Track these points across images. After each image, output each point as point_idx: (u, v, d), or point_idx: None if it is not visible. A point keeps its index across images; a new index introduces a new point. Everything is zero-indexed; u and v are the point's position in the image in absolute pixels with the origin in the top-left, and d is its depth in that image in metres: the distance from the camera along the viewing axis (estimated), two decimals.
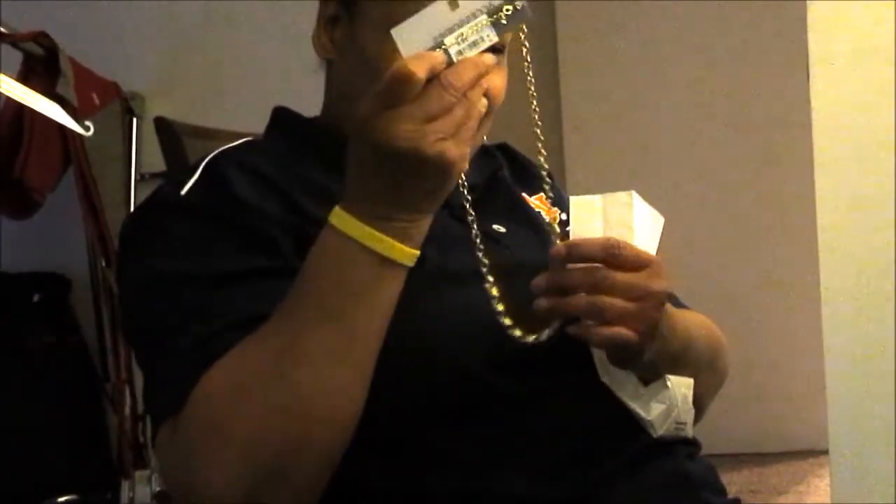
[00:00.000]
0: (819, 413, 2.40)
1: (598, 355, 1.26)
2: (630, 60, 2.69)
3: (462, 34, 1.14)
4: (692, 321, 1.38)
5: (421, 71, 1.10)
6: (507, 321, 1.21)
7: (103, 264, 3.04)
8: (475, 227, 1.26)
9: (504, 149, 1.54)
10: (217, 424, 1.14)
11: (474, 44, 1.14)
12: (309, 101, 1.45)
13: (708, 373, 1.38)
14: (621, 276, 1.18)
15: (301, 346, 1.14)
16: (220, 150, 1.36)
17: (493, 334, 1.22)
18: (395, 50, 1.20)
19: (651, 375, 1.27)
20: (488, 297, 1.22)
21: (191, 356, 1.18)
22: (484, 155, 1.46)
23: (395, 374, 1.17)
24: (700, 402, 1.31)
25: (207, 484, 1.13)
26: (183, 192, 1.29)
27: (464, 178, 1.29)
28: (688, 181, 2.53)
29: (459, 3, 1.14)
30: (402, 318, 1.17)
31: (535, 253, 1.26)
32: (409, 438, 1.22)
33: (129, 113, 3.19)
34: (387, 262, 1.14)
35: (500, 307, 1.21)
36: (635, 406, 1.25)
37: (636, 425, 1.25)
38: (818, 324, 2.38)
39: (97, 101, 3.05)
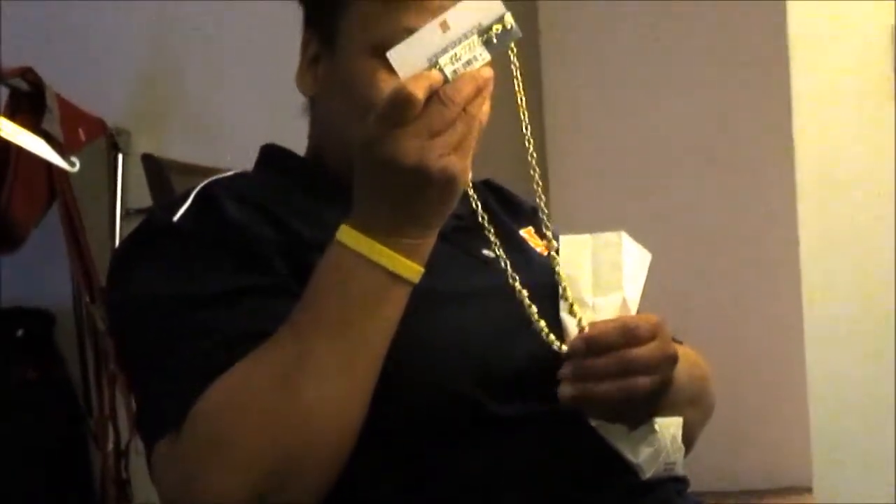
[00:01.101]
0: (804, 451, 2.40)
1: None
2: (614, 95, 2.70)
3: (456, 54, 1.17)
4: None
5: (420, 90, 1.13)
6: (552, 338, 1.22)
7: (88, 300, 3.03)
8: (497, 249, 1.27)
9: (488, 184, 1.55)
10: (218, 438, 1.15)
11: (468, 63, 1.17)
12: (294, 141, 1.47)
13: (694, 408, 1.39)
14: (642, 353, 1.21)
15: (305, 360, 1.15)
16: (211, 178, 1.37)
17: (484, 356, 1.23)
18: (383, 71, 1.27)
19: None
20: (479, 318, 1.25)
21: (188, 373, 1.18)
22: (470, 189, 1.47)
23: (390, 392, 1.18)
24: (688, 437, 1.32)
25: (208, 496, 1.14)
26: (175, 218, 1.30)
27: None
28: (670, 215, 2.54)
29: (450, 24, 1.17)
30: (393, 339, 1.18)
31: (526, 276, 1.27)
32: (406, 454, 1.23)
33: (115, 149, 3.19)
34: (393, 277, 1.16)
35: (542, 323, 1.22)
36: (624, 450, 1.25)
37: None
38: (802, 361, 2.39)
39: (83, 137, 3.05)
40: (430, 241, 1.17)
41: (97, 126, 3.15)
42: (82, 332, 3.16)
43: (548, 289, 1.30)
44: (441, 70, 1.15)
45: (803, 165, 2.40)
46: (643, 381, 1.20)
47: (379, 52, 1.32)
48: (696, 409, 1.41)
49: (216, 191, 1.33)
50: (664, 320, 1.25)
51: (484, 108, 1.24)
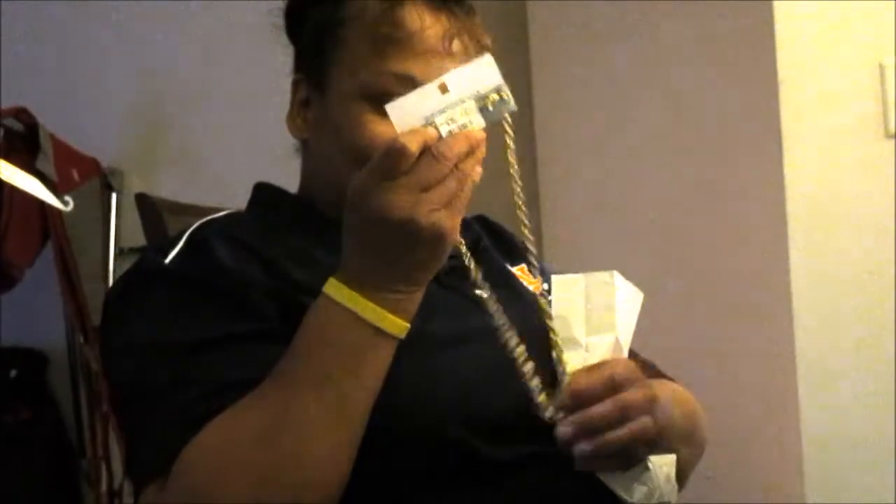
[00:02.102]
0: (795, 487, 2.40)
1: None
2: (605, 135, 2.71)
3: (452, 116, 1.19)
4: (669, 398, 1.39)
5: (414, 144, 1.14)
6: (542, 398, 1.23)
7: (81, 340, 3.03)
8: (487, 292, 1.28)
9: (483, 221, 1.56)
10: (201, 491, 1.15)
11: (463, 126, 1.19)
12: (286, 180, 1.48)
13: (687, 445, 1.39)
14: (632, 395, 1.23)
15: (290, 413, 1.15)
16: (203, 220, 1.38)
17: (475, 399, 1.23)
18: (372, 115, 1.30)
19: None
20: (472, 362, 1.27)
21: (173, 422, 1.19)
22: (462, 227, 1.48)
23: (379, 437, 1.18)
24: (681, 475, 1.32)
25: None
26: (167, 260, 1.31)
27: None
28: (661, 253, 2.54)
29: (449, 87, 1.19)
30: (386, 383, 1.18)
31: (520, 318, 1.27)
32: (398, 498, 1.23)
33: (109, 188, 3.20)
34: (378, 332, 1.16)
35: (535, 382, 1.23)
36: (618, 489, 1.26)
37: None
38: (795, 395, 2.39)
39: (77, 177, 3.05)
40: (417, 297, 1.18)
41: (91, 166, 3.15)
42: (76, 372, 3.16)
43: (540, 331, 1.31)
44: (436, 128, 1.17)
45: (794, 202, 2.41)
46: (646, 420, 1.22)
47: (368, 97, 1.34)
48: (689, 446, 1.41)
49: (208, 234, 1.33)
50: (634, 365, 1.27)
51: (476, 169, 1.25)
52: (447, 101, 1.19)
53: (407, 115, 1.18)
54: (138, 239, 1.76)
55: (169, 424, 1.20)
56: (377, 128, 1.34)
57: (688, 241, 2.55)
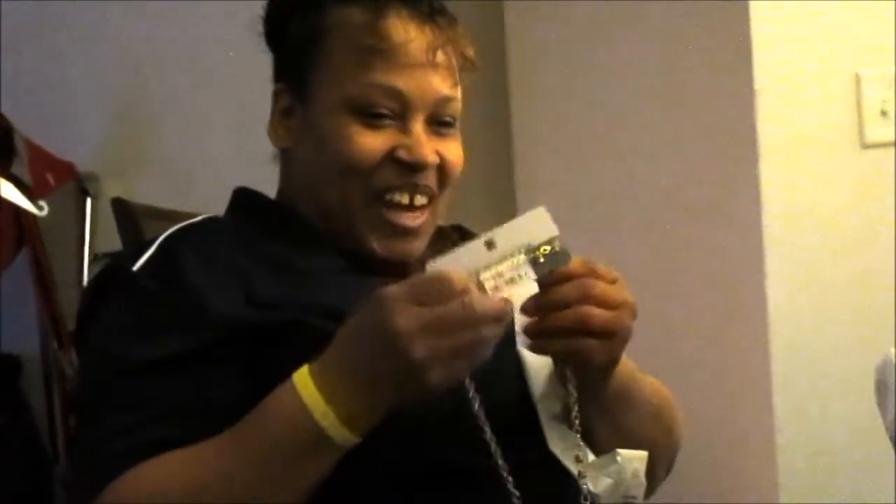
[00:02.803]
0: (770, 489, 2.41)
1: (549, 426, 1.27)
2: (582, 139, 2.71)
3: (499, 271, 1.17)
4: (637, 370, 1.41)
5: (459, 282, 1.13)
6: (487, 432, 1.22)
7: (55, 345, 3.01)
8: None
9: (460, 230, 1.56)
10: None
11: (511, 280, 1.17)
12: (266, 186, 1.48)
13: (657, 427, 1.40)
14: (601, 286, 1.22)
15: (220, 485, 1.16)
16: (178, 226, 1.38)
17: (448, 407, 1.23)
18: (357, 126, 1.31)
19: (602, 447, 1.28)
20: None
21: (113, 442, 1.21)
22: (439, 236, 1.49)
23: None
24: (651, 465, 1.32)
25: None
26: (135, 267, 1.30)
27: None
28: (636, 261, 2.55)
29: (497, 243, 1.18)
30: None
31: None
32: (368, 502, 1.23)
33: (84, 193, 3.18)
34: (325, 438, 1.15)
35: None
36: (584, 479, 1.25)
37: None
38: (769, 400, 2.40)
39: (52, 182, 3.04)
40: (375, 417, 1.16)
41: (66, 170, 3.14)
42: (50, 377, 3.14)
43: (508, 337, 1.30)
44: (481, 284, 1.15)
45: (769, 212, 2.41)
46: (598, 312, 1.21)
47: (353, 109, 1.35)
48: (661, 429, 1.41)
49: (179, 244, 1.33)
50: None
51: (454, 154, 1.25)
52: (494, 257, 1.17)
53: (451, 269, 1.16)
54: (114, 245, 1.76)
55: (110, 443, 1.21)
56: (363, 140, 1.34)
57: (663, 250, 2.55)
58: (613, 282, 1.24)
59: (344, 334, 1.17)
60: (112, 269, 1.35)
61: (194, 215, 1.46)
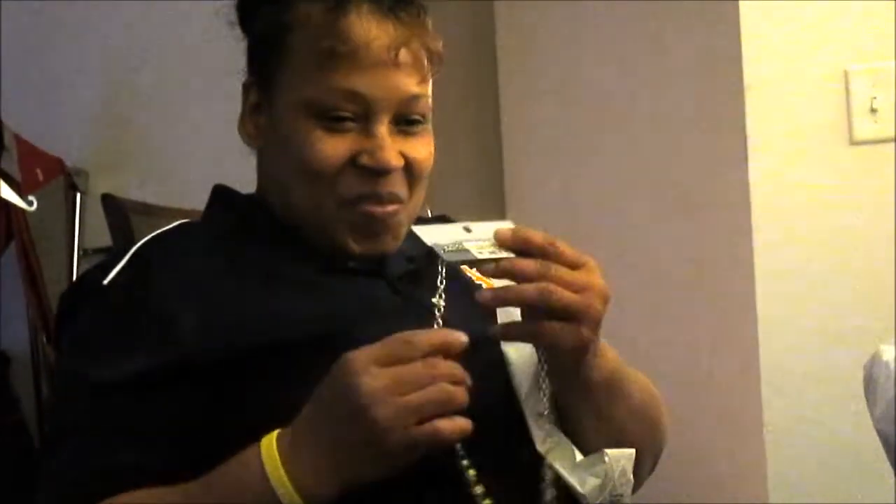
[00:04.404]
0: (759, 489, 2.41)
1: (535, 424, 1.27)
2: (571, 136, 2.71)
3: (479, 247, 1.20)
4: (623, 363, 1.39)
5: (421, 342, 1.14)
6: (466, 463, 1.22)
7: (44, 340, 3.01)
8: (441, 300, 1.27)
9: (444, 221, 1.55)
10: None
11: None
12: (252, 181, 1.47)
13: (642, 423, 1.39)
14: (564, 270, 1.20)
15: None
16: (151, 236, 1.36)
17: None
18: (318, 131, 1.29)
19: (586, 448, 1.28)
20: None
21: (73, 468, 1.21)
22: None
23: None
24: (638, 466, 1.31)
25: None
26: (106, 280, 1.29)
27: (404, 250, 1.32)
28: (626, 257, 2.55)
29: (472, 231, 1.21)
30: None
31: (470, 326, 1.26)
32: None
33: (73, 189, 3.18)
34: None
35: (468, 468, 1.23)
36: (571, 478, 1.25)
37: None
38: (758, 397, 2.40)
39: (41, 177, 3.03)
40: (332, 493, 1.15)
41: (55, 166, 3.13)
42: (38, 373, 3.13)
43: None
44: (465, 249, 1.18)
45: (759, 207, 2.42)
46: (557, 290, 1.18)
47: (313, 113, 1.32)
48: (646, 426, 1.40)
49: (152, 256, 1.32)
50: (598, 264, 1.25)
51: (422, 152, 1.26)
52: (468, 238, 1.19)
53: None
54: (103, 240, 1.76)
55: (71, 467, 1.22)
56: (324, 146, 1.32)
57: (653, 246, 2.56)
58: (578, 266, 1.21)
59: (313, 399, 1.16)
60: (83, 281, 1.34)
61: (183, 211, 1.45)
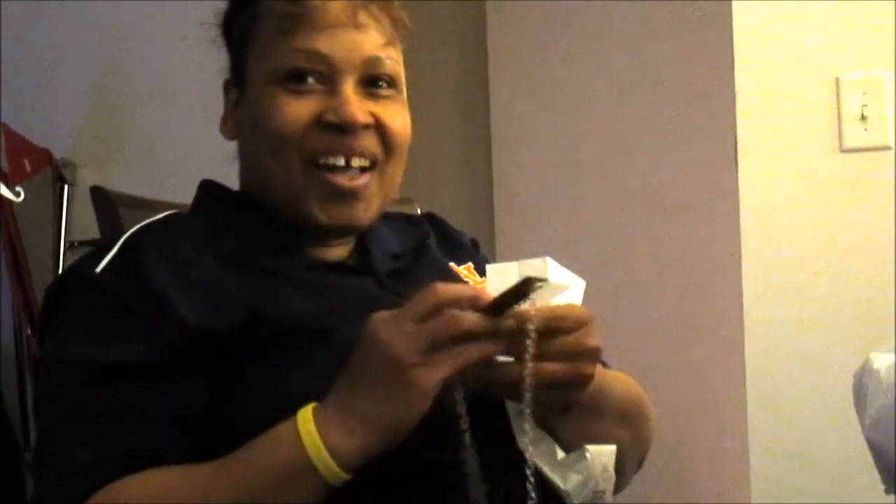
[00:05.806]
0: (742, 491, 2.42)
1: (517, 422, 1.27)
2: (561, 134, 2.72)
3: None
4: (608, 372, 1.38)
5: (444, 294, 1.13)
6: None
7: (29, 332, 3.00)
8: None
9: (431, 218, 1.55)
10: None
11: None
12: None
13: (627, 428, 1.38)
14: (558, 343, 1.18)
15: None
16: (141, 225, 1.36)
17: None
18: (284, 96, 1.31)
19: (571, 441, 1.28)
20: None
21: (79, 455, 1.20)
22: (411, 224, 1.48)
23: None
24: (621, 464, 1.31)
25: None
26: (98, 269, 1.29)
27: (392, 247, 1.31)
28: (614, 262, 2.55)
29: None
30: (327, 387, 1.17)
31: None
32: (342, 502, 1.22)
33: (61, 180, 3.17)
34: (313, 469, 1.14)
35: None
36: (553, 475, 1.25)
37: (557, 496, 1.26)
38: (744, 402, 2.41)
39: (28, 168, 3.02)
40: (366, 458, 1.15)
41: (43, 157, 3.13)
42: (23, 364, 3.13)
43: None
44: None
45: (747, 214, 2.42)
46: (548, 368, 1.17)
47: (279, 78, 1.34)
48: (630, 430, 1.39)
49: (143, 245, 1.31)
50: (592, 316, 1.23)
51: (398, 122, 1.30)
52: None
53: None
54: (90, 232, 1.75)
55: (76, 455, 1.20)
56: (288, 108, 1.33)
57: (639, 249, 2.56)
58: (578, 327, 1.19)
59: (345, 370, 1.16)
60: (73, 271, 1.33)
61: (172, 204, 1.45)
